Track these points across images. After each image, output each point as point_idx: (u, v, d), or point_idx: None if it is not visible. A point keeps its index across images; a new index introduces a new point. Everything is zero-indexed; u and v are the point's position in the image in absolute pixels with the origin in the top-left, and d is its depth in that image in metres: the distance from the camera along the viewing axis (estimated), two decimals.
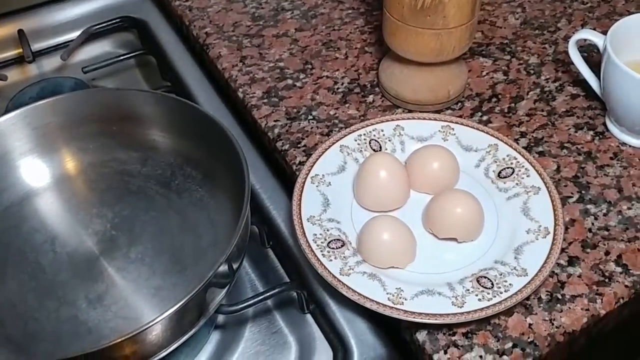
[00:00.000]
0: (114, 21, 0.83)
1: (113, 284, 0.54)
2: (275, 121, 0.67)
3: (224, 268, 0.49)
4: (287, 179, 0.64)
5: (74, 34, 0.81)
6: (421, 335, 0.51)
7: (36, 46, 0.81)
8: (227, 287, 0.51)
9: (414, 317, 0.50)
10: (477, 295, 0.51)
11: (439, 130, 0.63)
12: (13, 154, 0.60)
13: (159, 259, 0.55)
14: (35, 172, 0.61)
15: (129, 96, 0.60)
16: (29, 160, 0.60)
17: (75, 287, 0.54)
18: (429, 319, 0.50)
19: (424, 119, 0.64)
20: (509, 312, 0.51)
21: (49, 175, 0.61)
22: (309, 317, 0.56)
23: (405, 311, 0.50)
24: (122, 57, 0.77)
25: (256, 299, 0.53)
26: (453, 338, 0.51)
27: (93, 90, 0.72)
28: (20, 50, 0.80)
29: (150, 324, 0.45)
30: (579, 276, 0.53)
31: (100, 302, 0.53)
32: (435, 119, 0.64)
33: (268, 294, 0.54)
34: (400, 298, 0.51)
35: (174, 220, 0.58)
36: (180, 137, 0.60)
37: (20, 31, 0.81)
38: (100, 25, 0.82)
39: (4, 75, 0.77)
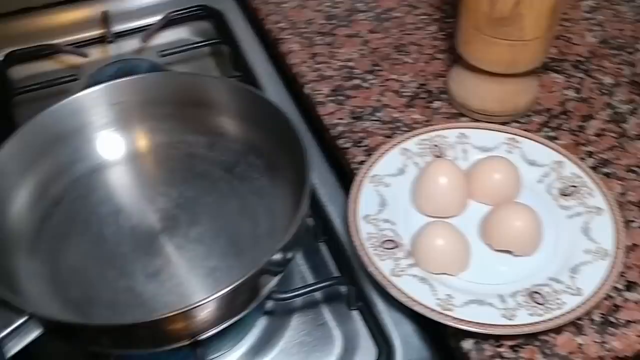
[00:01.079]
0: (192, 9, 0.86)
1: (171, 261, 0.56)
2: (339, 119, 0.67)
3: (278, 256, 0.50)
4: (345, 176, 0.65)
5: (153, 19, 0.84)
6: (467, 344, 0.51)
7: (117, 28, 0.84)
8: (280, 275, 0.52)
9: (461, 325, 0.50)
10: (528, 309, 0.50)
11: (504, 142, 0.63)
12: (90, 127, 0.62)
13: (216, 241, 0.57)
14: (108, 147, 0.63)
15: (203, 82, 0.62)
16: (103, 134, 0.63)
17: (134, 260, 0.56)
18: (477, 328, 0.49)
19: (490, 129, 0.64)
20: (558, 330, 0.51)
21: (121, 150, 0.63)
22: (355, 313, 0.57)
23: (454, 318, 0.50)
24: (198, 44, 0.79)
25: (307, 289, 0.54)
26: (499, 350, 0.50)
27: (171, 73, 0.74)
28: (103, 30, 0.83)
29: (203, 302, 0.46)
30: (636, 302, 0.52)
31: (157, 276, 0.55)
32: (501, 131, 0.63)
33: (319, 285, 0.55)
34: (449, 304, 0.51)
35: (234, 205, 0.59)
36: (248, 126, 0.62)
37: (104, 12, 0.84)
38: (179, 12, 0.85)
39: (85, 52, 0.80)
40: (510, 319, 0.50)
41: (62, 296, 0.54)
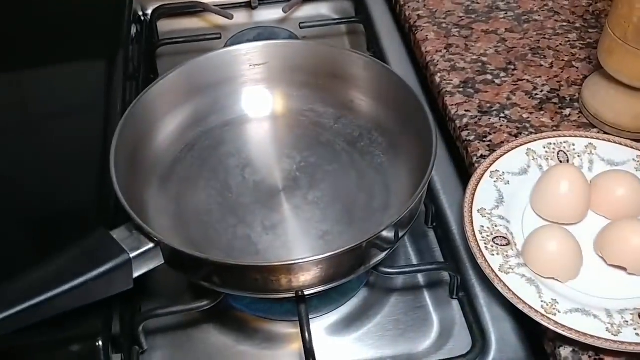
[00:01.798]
0: None
1: (288, 218, 0.58)
2: (466, 111, 0.68)
3: (390, 231, 0.51)
4: (463, 168, 0.66)
5: None
6: (565, 351, 0.50)
7: None
8: (388, 251, 0.53)
9: (563, 331, 0.49)
10: (635, 329, 0.49)
11: (634, 159, 0.61)
12: (230, 83, 0.65)
13: (332, 207, 0.59)
14: (244, 104, 0.67)
15: (341, 55, 0.64)
16: (242, 91, 0.66)
17: (254, 212, 0.59)
18: (578, 337, 0.49)
19: (621, 144, 0.62)
20: None
21: (255, 109, 0.67)
22: (455, 303, 0.57)
23: (557, 323, 0.50)
24: (337, 21, 0.82)
25: (412, 269, 0.56)
26: None
27: (313, 42, 0.77)
28: None
29: (312, 259, 0.48)
30: None
31: (273, 230, 0.57)
32: (632, 147, 0.62)
33: (424, 267, 0.56)
34: (554, 309, 0.51)
35: (352, 177, 0.61)
36: (378, 104, 0.63)
37: None
38: None
39: (230, 14, 0.84)
40: (615, 335, 0.49)
41: (183, 234, 0.58)
